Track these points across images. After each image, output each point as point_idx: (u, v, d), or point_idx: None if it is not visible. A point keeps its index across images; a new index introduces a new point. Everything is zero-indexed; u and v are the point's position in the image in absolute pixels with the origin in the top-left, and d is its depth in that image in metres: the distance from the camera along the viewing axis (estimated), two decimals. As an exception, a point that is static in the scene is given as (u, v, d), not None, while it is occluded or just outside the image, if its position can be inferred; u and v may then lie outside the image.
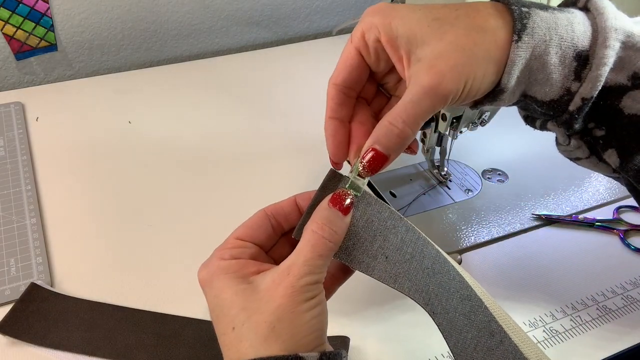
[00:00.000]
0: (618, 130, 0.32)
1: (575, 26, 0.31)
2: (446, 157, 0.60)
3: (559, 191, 0.60)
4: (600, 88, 0.31)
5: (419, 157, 0.63)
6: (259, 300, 0.29)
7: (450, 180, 0.61)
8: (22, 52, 0.78)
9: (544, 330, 0.46)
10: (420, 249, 0.33)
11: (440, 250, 0.34)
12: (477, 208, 0.58)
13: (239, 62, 0.86)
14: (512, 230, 0.55)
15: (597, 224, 0.56)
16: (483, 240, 0.54)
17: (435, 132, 0.55)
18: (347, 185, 0.33)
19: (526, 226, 0.56)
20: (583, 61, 0.31)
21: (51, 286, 0.48)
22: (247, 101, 0.76)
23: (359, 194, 0.33)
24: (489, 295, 0.34)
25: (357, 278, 0.35)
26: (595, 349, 0.45)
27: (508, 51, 0.30)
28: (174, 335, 0.44)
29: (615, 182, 0.39)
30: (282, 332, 0.28)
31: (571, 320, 0.47)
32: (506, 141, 0.68)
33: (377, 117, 0.37)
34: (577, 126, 0.33)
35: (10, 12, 0.74)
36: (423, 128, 0.55)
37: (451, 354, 0.32)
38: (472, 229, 0.55)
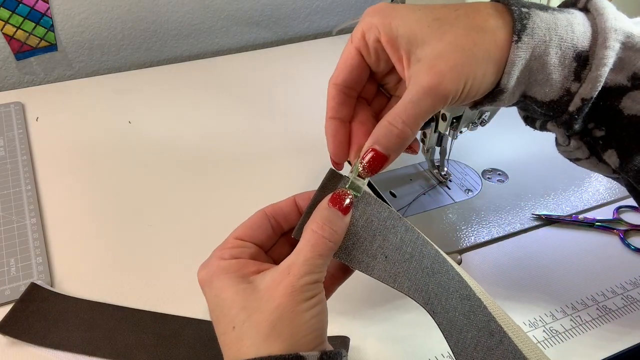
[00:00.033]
0: (618, 130, 0.32)
1: (575, 27, 0.31)
2: (446, 157, 0.60)
3: (559, 191, 0.60)
4: (600, 89, 0.31)
5: (419, 157, 0.63)
6: (259, 300, 0.29)
7: (450, 180, 0.61)
8: (22, 52, 0.78)
9: (544, 330, 0.46)
10: (419, 249, 0.33)
11: (440, 250, 0.34)
12: (477, 208, 0.58)
13: (239, 62, 0.86)
14: (512, 230, 0.55)
15: (597, 224, 0.56)
16: (483, 240, 0.54)
17: (435, 132, 0.55)
18: (347, 185, 0.33)
19: (526, 226, 0.56)
20: (583, 62, 0.31)
21: (51, 286, 0.48)
22: (247, 101, 0.76)
23: (358, 194, 0.33)
24: (488, 295, 0.34)
25: (357, 278, 0.35)
26: (595, 349, 0.45)
27: (508, 51, 0.30)
28: (174, 335, 0.44)
29: (615, 182, 0.39)
30: (283, 331, 0.28)
31: (571, 320, 0.47)
32: (506, 141, 0.68)
33: (377, 117, 0.37)
34: (576, 127, 0.33)
35: (10, 12, 0.74)
36: (423, 128, 0.55)
37: (451, 354, 0.32)
38: (472, 229, 0.55)
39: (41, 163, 0.63)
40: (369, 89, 0.36)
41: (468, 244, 0.53)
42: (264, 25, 0.94)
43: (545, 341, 0.45)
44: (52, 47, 0.80)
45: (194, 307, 0.47)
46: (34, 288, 0.47)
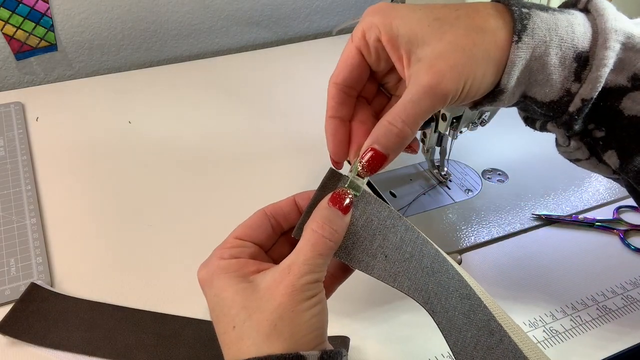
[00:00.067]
0: (618, 131, 0.32)
1: (576, 27, 0.31)
2: (446, 157, 0.60)
3: (559, 191, 0.60)
4: (600, 89, 0.31)
5: (419, 157, 0.63)
6: (259, 299, 0.29)
7: (450, 180, 0.61)
8: (22, 52, 0.78)
9: (544, 330, 0.46)
10: (419, 248, 0.33)
11: (439, 249, 0.34)
12: (477, 208, 0.58)
13: (239, 62, 0.86)
14: (512, 230, 0.55)
15: (597, 224, 0.56)
16: (483, 240, 0.54)
17: (435, 132, 0.55)
18: (346, 185, 0.33)
19: (526, 226, 0.56)
20: (583, 62, 0.31)
21: (51, 286, 0.48)
22: (247, 101, 0.76)
23: (358, 194, 0.33)
24: (488, 295, 0.34)
25: (357, 278, 0.35)
26: (595, 349, 0.45)
27: (508, 52, 0.30)
28: (174, 335, 0.44)
29: (615, 182, 0.39)
30: (283, 330, 0.28)
31: (571, 320, 0.47)
32: (506, 141, 0.68)
33: (377, 116, 0.37)
34: (576, 127, 0.33)
35: (10, 12, 0.74)
36: (423, 128, 0.55)
37: (451, 354, 0.32)
38: (472, 229, 0.55)
39: (41, 163, 0.63)
40: (369, 89, 0.36)
41: (468, 244, 0.53)
42: (264, 25, 0.94)
43: (545, 341, 0.45)
44: (52, 47, 0.80)
45: (194, 307, 0.47)
46: (34, 288, 0.47)
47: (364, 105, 0.36)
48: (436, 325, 0.32)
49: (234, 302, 0.29)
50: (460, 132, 0.54)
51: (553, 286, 0.50)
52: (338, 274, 0.35)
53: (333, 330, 0.45)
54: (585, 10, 0.32)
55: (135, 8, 0.82)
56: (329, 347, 0.30)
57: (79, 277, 0.49)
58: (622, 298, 0.49)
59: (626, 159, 0.33)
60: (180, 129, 0.70)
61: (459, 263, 0.52)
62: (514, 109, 0.37)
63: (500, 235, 0.55)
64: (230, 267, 0.31)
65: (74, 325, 0.44)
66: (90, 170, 0.62)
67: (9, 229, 0.53)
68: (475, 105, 0.34)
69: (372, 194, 0.34)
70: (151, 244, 0.53)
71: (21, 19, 0.75)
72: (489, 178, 0.62)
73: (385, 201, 0.35)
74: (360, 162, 0.31)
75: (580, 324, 0.47)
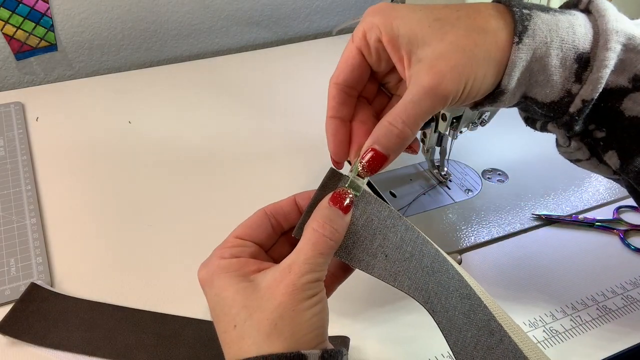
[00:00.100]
0: (619, 132, 0.32)
1: (577, 28, 0.31)
2: (446, 157, 0.60)
3: (559, 191, 0.60)
4: (600, 90, 0.31)
5: (419, 157, 0.63)
6: (260, 299, 0.29)
7: (450, 180, 0.61)
8: (22, 52, 0.78)
9: (544, 330, 0.46)
10: (419, 248, 0.33)
11: (439, 249, 0.34)
12: (477, 208, 0.58)
13: (239, 62, 0.86)
14: (512, 230, 0.55)
15: (597, 224, 0.56)
16: (483, 240, 0.54)
17: (435, 132, 0.55)
18: (346, 185, 0.33)
19: (526, 226, 0.56)
20: (584, 63, 0.31)
21: (51, 286, 0.48)
22: (247, 101, 0.76)
23: (358, 194, 0.33)
24: (488, 295, 0.34)
25: (357, 279, 0.35)
26: (595, 349, 0.45)
27: (509, 52, 0.30)
28: (174, 335, 0.44)
29: (615, 182, 0.39)
30: (284, 329, 0.28)
31: (571, 320, 0.47)
32: (506, 141, 0.68)
33: (378, 116, 0.37)
34: (577, 128, 0.33)
35: (10, 12, 0.74)
36: (423, 128, 0.55)
37: (451, 354, 0.32)
38: (472, 229, 0.55)
39: (41, 163, 0.63)
40: (369, 88, 0.36)
41: (468, 244, 0.53)
42: (264, 25, 0.94)
43: (545, 341, 0.45)
44: (52, 47, 0.80)
45: (194, 307, 0.47)
46: (34, 288, 0.47)
47: (365, 105, 0.36)
48: (436, 325, 0.32)
49: (234, 301, 0.29)
50: (460, 132, 0.54)
51: (553, 286, 0.50)
52: (338, 273, 0.35)
53: (333, 330, 0.45)
54: (587, 11, 0.32)
55: (135, 8, 0.82)
56: (330, 346, 0.30)
57: (79, 277, 0.49)
58: (622, 298, 0.49)
59: (627, 160, 0.33)
60: (180, 129, 0.70)
61: (459, 263, 0.52)
62: (514, 109, 0.37)
63: (500, 235, 0.55)
64: (231, 266, 0.31)
65: (74, 325, 0.44)
66: (90, 170, 0.62)
67: (9, 229, 0.53)
68: (476, 105, 0.34)
69: (372, 194, 0.34)
70: (151, 244, 0.53)
71: (21, 19, 0.75)
72: (489, 178, 0.62)
73: (385, 201, 0.35)
74: (360, 163, 0.32)
75: (580, 324, 0.47)
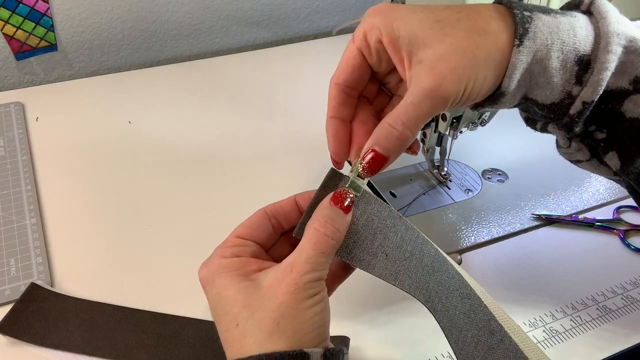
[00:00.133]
0: (619, 133, 0.32)
1: (578, 30, 0.31)
2: (446, 157, 0.60)
3: (559, 191, 0.60)
4: (601, 92, 0.31)
5: (419, 157, 0.63)
6: (261, 298, 0.29)
7: (450, 180, 0.61)
8: (22, 52, 0.78)
9: (544, 330, 0.46)
10: (419, 247, 0.33)
11: (439, 249, 0.34)
12: (477, 208, 0.58)
13: (239, 62, 0.86)
14: (512, 230, 0.55)
15: (597, 224, 0.56)
16: (483, 240, 0.54)
17: (435, 132, 0.55)
18: (347, 185, 0.33)
19: (526, 226, 0.56)
20: (585, 65, 0.31)
21: (51, 286, 0.48)
22: (247, 101, 0.76)
23: (358, 194, 0.33)
24: (488, 295, 0.34)
25: (358, 280, 0.35)
26: (595, 349, 0.45)
27: (509, 54, 0.30)
28: (174, 335, 0.44)
29: (616, 183, 0.39)
30: (286, 328, 0.28)
31: (571, 320, 0.47)
32: (506, 141, 0.68)
33: (378, 116, 0.37)
34: (577, 129, 0.33)
35: (10, 12, 0.74)
36: (423, 128, 0.55)
37: (451, 354, 0.32)
38: (472, 229, 0.55)
39: (41, 163, 0.63)
40: (370, 88, 0.36)
41: (468, 244, 0.53)
42: (264, 25, 0.94)
43: (545, 341, 0.45)
44: (52, 47, 0.80)
45: (194, 307, 0.47)
46: (34, 288, 0.47)
47: (365, 105, 0.36)
48: (437, 325, 0.32)
49: (235, 300, 0.29)
50: (460, 132, 0.54)
51: (553, 286, 0.50)
52: (339, 272, 0.35)
53: (333, 331, 0.45)
54: (588, 13, 0.32)
55: (135, 8, 0.82)
56: (331, 345, 0.30)
57: (79, 277, 0.49)
58: (622, 298, 0.49)
59: (627, 161, 0.33)
60: (180, 129, 0.70)
61: (459, 263, 0.52)
62: (515, 109, 0.37)
63: (500, 235, 0.55)
64: (232, 265, 0.31)
65: (74, 325, 0.44)
66: (90, 170, 0.62)
67: (9, 229, 0.53)
68: (476, 107, 0.34)
69: (373, 194, 0.34)
70: (151, 244, 0.53)
71: (21, 19, 0.75)
72: (489, 178, 0.62)
73: (386, 201, 0.35)
74: (360, 163, 0.32)
75: (580, 324, 0.47)
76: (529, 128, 0.38)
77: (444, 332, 0.32)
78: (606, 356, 0.45)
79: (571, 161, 0.37)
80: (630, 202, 0.59)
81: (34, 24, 0.76)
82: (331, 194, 0.32)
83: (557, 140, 0.36)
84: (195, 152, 0.66)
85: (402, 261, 0.32)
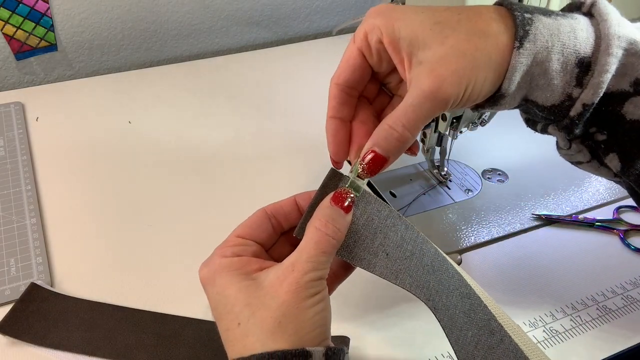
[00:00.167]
0: (620, 135, 0.32)
1: (578, 33, 0.31)
2: (446, 157, 0.60)
3: (559, 191, 0.60)
4: (601, 94, 0.31)
5: (419, 157, 0.63)
6: (263, 297, 0.29)
7: (450, 180, 0.61)
8: (22, 52, 0.78)
9: (544, 330, 0.46)
10: (419, 247, 0.33)
11: (438, 248, 0.34)
12: (477, 208, 0.58)
13: (239, 62, 0.86)
14: (512, 230, 0.55)
15: (597, 224, 0.56)
16: (483, 240, 0.54)
17: (435, 132, 0.55)
18: (347, 185, 0.33)
19: (526, 226, 0.56)
20: (585, 68, 0.31)
21: (51, 286, 0.48)
22: (247, 101, 0.76)
23: (358, 194, 0.33)
24: (487, 295, 0.34)
25: (358, 280, 0.35)
26: (595, 349, 0.45)
27: (509, 56, 0.30)
28: (174, 335, 0.44)
29: (617, 184, 0.39)
30: (288, 327, 0.28)
31: (571, 320, 0.47)
32: (506, 141, 0.68)
33: (379, 116, 0.37)
34: (577, 131, 0.33)
35: (10, 12, 0.74)
36: (423, 128, 0.55)
37: (451, 354, 0.32)
38: (472, 229, 0.55)
39: (41, 163, 0.63)
40: (370, 88, 0.36)
41: (468, 244, 0.53)
42: (264, 25, 0.94)
43: (545, 341, 0.45)
44: (52, 47, 0.80)
45: (194, 307, 0.47)
46: (34, 288, 0.47)
47: (365, 105, 0.36)
48: (437, 326, 0.32)
49: (237, 299, 0.29)
50: (460, 132, 0.54)
51: (553, 286, 0.50)
52: (339, 272, 0.35)
53: (334, 331, 0.45)
54: (589, 15, 0.32)
55: (135, 8, 0.82)
56: (332, 344, 0.30)
57: (79, 277, 0.49)
58: (622, 298, 0.49)
59: (628, 163, 0.33)
60: (180, 129, 0.70)
61: (459, 263, 0.52)
62: (515, 110, 0.37)
63: (500, 235, 0.55)
64: (233, 265, 0.31)
65: (74, 325, 0.44)
66: (90, 170, 0.62)
67: (9, 229, 0.53)
68: (477, 108, 0.34)
69: (372, 193, 0.34)
70: (151, 244, 0.53)
71: (21, 19, 0.75)
72: (489, 178, 0.62)
73: (386, 201, 0.35)
74: (360, 164, 0.32)
75: (580, 324, 0.47)
76: (529, 128, 0.38)
77: (444, 331, 0.32)
78: (606, 356, 0.45)
79: (571, 162, 0.37)
80: (630, 202, 0.59)
81: (34, 24, 0.76)
82: (331, 194, 0.33)
83: (557, 141, 0.36)
84: (195, 152, 0.66)
85: (403, 260, 0.32)
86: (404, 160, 0.64)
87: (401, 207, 0.57)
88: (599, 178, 0.62)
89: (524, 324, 0.47)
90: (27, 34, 0.77)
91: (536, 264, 0.52)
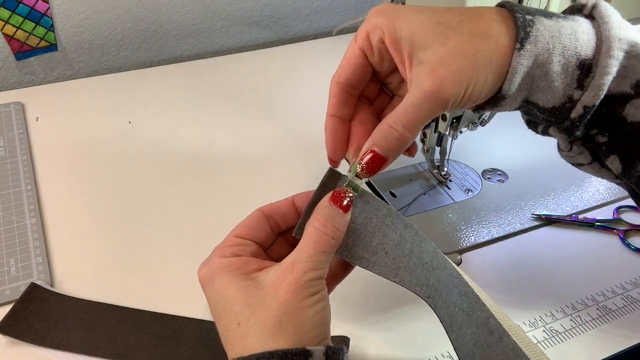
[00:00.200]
0: (621, 137, 0.32)
1: (579, 35, 0.31)
2: (446, 157, 0.60)
3: (559, 191, 0.60)
4: (602, 97, 0.31)
5: (419, 157, 0.63)
6: (263, 296, 0.29)
7: (450, 180, 0.61)
8: (22, 52, 0.78)
9: (544, 330, 0.46)
10: (418, 245, 0.33)
11: (437, 247, 0.34)
12: (477, 208, 0.58)
13: (239, 62, 0.86)
14: (512, 230, 0.55)
15: (597, 224, 0.56)
16: (483, 240, 0.54)
17: (435, 132, 0.55)
18: (345, 184, 0.33)
19: (526, 226, 0.56)
20: (586, 70, 0.31)
21: (51, 286, 0.48)
22: (247, 101, 0.76)
23: (357, 194, 0.33)
24: (485, 294, 0.34)
25: (357, 281, 0.35)
26: (595, 349, 0.45)
27: (510, 58, 0.30)
28: (174, 335, 0.44)
29: (618, 186, 0.39)
30: (288, 326, 0.28)
31: (571, 320, 0.47)
32: (506, 141, 0.68)
33: (379, 116, 0.37)
34: (578, 133, 0.33)
35: (10, 12, 0.74)
36: (423, 128, 0.55)
37: (451, 354, 0.32)
38: (472, 229, 0.55)
39: (41, 163, 0.63)
40: (371, 88, 0.36)
41: (468, 244, 0.53)
42: (264, 25, 0.94)
43: (545, 341, 0.45)
44: (52, 47, 0.80)
45: (194, 307, 0.47)
46: (34, 288, 0.47)
47: (365, 105, 0.36)
48: (437, 326, 0.32)
49: (236, 299, 0.29)
50: (460, 132, 0.54)
51: (553, 286, 0.50)
52: (338, 271, 0.35)
53: (334, 331, 0.45)
54: (590, 17, 0.32)
55: (135, 8, 0.82)
56: (331, 344, 0.30)
57: (79, 277, 0.49)
58: (622, 298, 0.49)
59: (629, 165, 0.33)
60: (180, 129, 0.70)
61: (459, 263, 0.52)
62: (515, 110, 0.37)
63: (500, 235, 0.55)
64: (232, 265, 0.31)
65: (74, 325, 0.44)
66: (90, 170, 0.62)
67: (9, 229, 0.53)
68: (477, 109, 0.34)
69: (371, 193, 0.34)
70: (151, 244, 0.53)
71: (21, 19, 0.75)
72: (489, 178, 0.62)
73: (386, 201, 0.35)
74: (359, 164, 0.32)
75: (580, 324, 0.47)
76: (529, 129, 0.38)
77: (445, 329, 0.32)
78: (606, 356, 0.45)
79: (572, 164, 0.37)
80: (630, 202, 0.59)
81: (34, 24, 0.76)
82: (330, 194, 0.33)
83: (558, 143, 0.37)
84: (195, 152, 0.66)
85: (402, 258, 0.33)
86: (404, 160, 0.64)
87: (401, 207, 0.57)
88: (599, 178, 0.62)
89: (524, 324, 0.47)
90: (27, 34, 0.77)
91: (536, 264, 0.52)
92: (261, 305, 0.29)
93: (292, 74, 0.83)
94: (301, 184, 0.61)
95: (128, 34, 0.84)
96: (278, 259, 0.32)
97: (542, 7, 0.43)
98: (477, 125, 0.55)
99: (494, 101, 0.32)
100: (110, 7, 0.80)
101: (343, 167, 0.34)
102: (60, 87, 0.77)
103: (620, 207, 0.59)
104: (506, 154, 0.66)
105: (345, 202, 0.32)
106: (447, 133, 0.54)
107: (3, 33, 0.75)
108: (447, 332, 0.32)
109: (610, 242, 0.55)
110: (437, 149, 0.59)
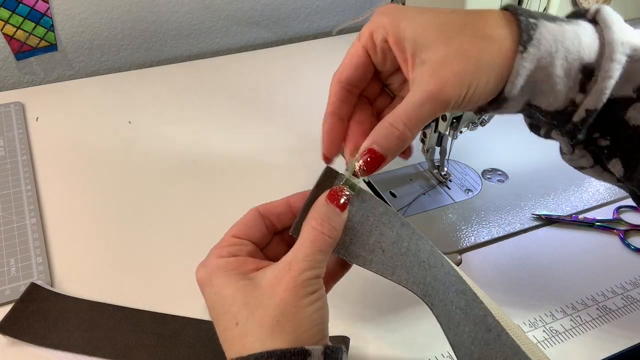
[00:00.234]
0: (623, 141, 0.32)
1: (582, 39, 0.31)
2: (446, 157, 0.60)
3: (559, 191, 0.60)
4: (605, 100, 0.31)
5: (419, 157, 0.63)
6: (261, 296, 0.29)
7: (450, 180, 0.61)
8: (22, 52, 0.78)
9: (544, 330, 0.46)
10: (415, 243, 0.33)
11: (434, 246, 0.34)
12: (477, 208, 0.58)
13: (239, 62, 0.86)
14: (512, 230, 0.55)
15: (597, 224, 0.56)
16: (483, 240, 0.54)
17: (435, 132, 0.55)
18: (342, 182, 0.33)
19: (526, 226, 0.56)
20: (589, 74, 0.31)
21: (51, 286, 0.48)
22: (247, 101, 0.76)
23: (353, 193, 0.33)
24: (483, 292, 0.34)
25: (357, 281, 0.35)
26: (595, 349, 0.45)
27: (513, 61, 0.30)
28: (174, 335, 0.44)
29: (620, 188, 0.39)
30: (286, 326, 0.28)
31: (571, 320, 0.47)
32: (506, 141, 0.68)
33: (378, 116, 0.37)
34: (580, 136, 0.33)
35: (10, 12, 0.74)
36: (423, 128, 0.55)
37: (451, 354, 0.32)
38: (472, 229, 0.55)
39: (41, 163, 0.63)
40: (372, 88, 0.36)
41: (468, 244, 0.53)
42: (264, 25, 0.94)
43: (545, 341, 0.45)
44: (52, 47, 0.80)
45: (194, 307, 0.47)
46: (34, 288, 0.47)
47: (365, 105, 0.36)
48: (436, 326, 0.32)
49: (234, 299, 0.29)
50: (460, 132, 0.54)
51: (553, 286, 0.50)
52: (336, 270, 0.35)
53: (334, 331, 0.45)
54: (594, 22, 0.32)
55: (135, 8, 0.82)
56: (330, 343, 0.30)
57: (79, 277, 0.49)
58: (622, 298, 0.49)
59: (631, 168, 0.33)
60: (180, 129, 0.70)
61: (459, 263, 0.52)
62: (515, 111, 0.37)
63: (500, 235, 0.55)
64: (229, 265, 0.31)
65: (74, 325, 0.44)
66: (90, 170, 0.62)
67: (9, 229, 0.53)
68: (480, 111, 0.34)
69: (369, 191, 0.34)
70: (151, 244, 0.53)
71: (21, 19, 0.75)
72: (489, 178, 0.62)
73: (385, 201, 0.35)
74: (358, 162, 0.32)
75: (580, 324, 0.47)
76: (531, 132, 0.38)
77: (442, 327, 0.32)
78: (606, 356, 0.45)
79: (575, 167, 0.37)
80: (630, 202, 0.59)
81: (34, 24, 0.76)
82: (327, 192, 0.33)
83: (560, 146, 0.37)
84: (195, 152, 0.66)
85: (399, 256, 0.33)
86: (404, 161, 0.64)
87: (401, 207, 0.57)
88: (600, 179, 0.62)
89: (524, 324, 0.47)
90: (27, 34, 0.77)
91: (536, 264, 0.52)
92: (259, 305, 0.29)
93: (292, 74, 0.83)
94: (301, 184, 0.61)
95: (128, 34, 0.84)
96: (275, 258, 0.32)
97: (542, 9, 0.43)
98: (477, 126, 0.55)
99: (497, 103, 0.32)
100: (110, 7, 0.80)
101: (339, 166, 0.34)
102: (60, 87, 0.77)
103: (620, 207, 0.59)
104: (506, 154, 0.66)
105: (342, 201, 0.32)
106: (447, 133, 0.54)
107: (3, 33, 0.75)
108: (444, 330, 0.32)
109: (610, 242, 0.55)
110: (437, 149, 0.59)
